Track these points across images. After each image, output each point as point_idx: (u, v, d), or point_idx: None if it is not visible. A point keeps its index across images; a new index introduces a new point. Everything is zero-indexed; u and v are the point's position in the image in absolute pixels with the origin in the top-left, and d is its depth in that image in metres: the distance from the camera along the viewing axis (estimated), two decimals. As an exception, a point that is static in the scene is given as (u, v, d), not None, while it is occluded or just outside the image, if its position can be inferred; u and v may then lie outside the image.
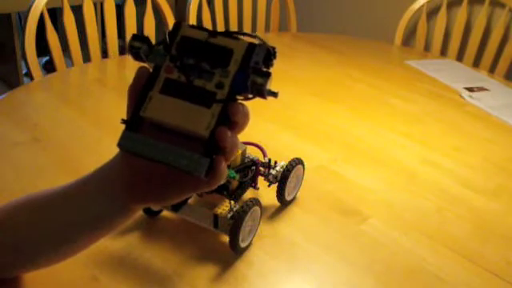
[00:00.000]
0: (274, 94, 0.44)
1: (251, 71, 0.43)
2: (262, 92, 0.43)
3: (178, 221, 0.77)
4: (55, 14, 2.21)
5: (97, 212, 0.52)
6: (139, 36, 0.46)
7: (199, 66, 0.44)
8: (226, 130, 0.43)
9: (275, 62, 0.45)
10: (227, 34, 0.45)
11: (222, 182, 0.46)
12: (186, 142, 0.44)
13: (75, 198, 0.53)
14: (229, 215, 0.70)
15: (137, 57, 0.47)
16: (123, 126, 0.47)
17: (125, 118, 0.47)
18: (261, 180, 0.81)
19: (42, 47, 1.42)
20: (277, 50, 0.45)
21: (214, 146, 0.43)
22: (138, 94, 0.45)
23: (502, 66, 1.82)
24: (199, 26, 0.46)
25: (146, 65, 0.47)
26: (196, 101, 0.44)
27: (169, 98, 0.44)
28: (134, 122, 0.45)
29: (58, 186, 0.55)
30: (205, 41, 0.45)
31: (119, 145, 0.46)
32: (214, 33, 0.45)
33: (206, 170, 0.43)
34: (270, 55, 0.45)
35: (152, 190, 0.48)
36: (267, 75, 0.43)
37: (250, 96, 0.45)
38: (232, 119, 0.44)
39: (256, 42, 0.46)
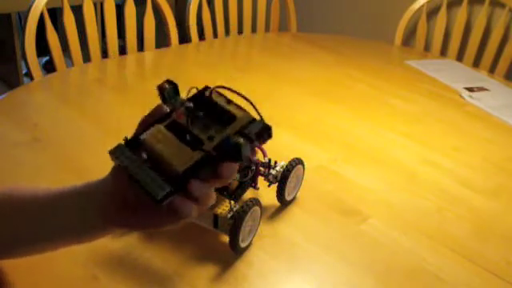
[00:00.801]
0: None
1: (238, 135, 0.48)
2: (239, 153, 0.47)
3: (178, 221, 0.77)
4: (55, 14, 2.21)
5: (73, 226, 0.55)
6: (171, 81, 0.54)
7: (203, 119, 0.51)
8: (198, 182, 0.47)
9: (268, 140, 0.50)
10: (240, 107, 0.51)
11: (176, 225, 0.50)
12: (164, 168, 0.49)
13: (58, 205, 0.55)
14: (229, 215, 0.70)
15: (162, 97, 0.53)
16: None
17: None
18: (261, 180, 0.81)
19: (42, 47, 1.42)
20: (272, 130, 0.50)
21: (183, 184, 0.47)
22: (149, 125, 0.51)
23: (502, 65, 1.82)
24: (222, 93, 0.53)
25: (163, 104, 0.54)
26: (186, 142, 0.49)
27: (167, 133, 0.51)
28: (133, 142, 0.51)
29: (45, 188, 0.57)
30: (220, 105, 0.52)
31: (110, 152, 0.50)
32: (230, 101, 0.52)
33: (163, 195, 0.46)
34: (264, 132, 0.50)
35: (127, 219, 0.51)
36: (249, 140, 0.48)
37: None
38: (218, 174, 0.47)
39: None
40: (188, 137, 0.50)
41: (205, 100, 0.52)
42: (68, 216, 0.55)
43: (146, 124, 0.52)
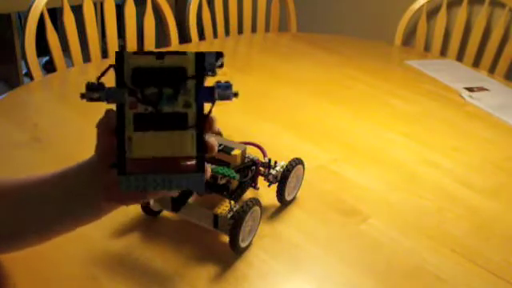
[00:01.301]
0: (236, 95, 0.49)
1: (212, 76, 0.48)
2: (228, 98, 0.48)
3: (178, 221, 0.77)
4: (55, 14, 2.21)
5: (69, 209, 0.56)
6: (94, 85, 0.48)
7: (160, 92, 0.47)
8: (214, 141, 0.49)
9: (224, 60, 0.49)
10: (172, 52, 0.47)
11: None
12: (174, 163, 0.48)
13: (51, 190, 0.56)
14: (229, 215, 0.70)
15: (97, 101, 0.49)
16: None
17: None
18: (261, 180, 0.81)
19: (42, 47, 1.41)
20: (222, 53, 0.49)
21: (202, 159, 0.47)
22: (113, 135, 0.47)
23: (502, 65, 1.82)
24: (141, 51, 0.48)
25: (111, 107, 0.49)
26: (171, 127, 0.47)
27: (147, 134, 0.47)
28: (123, 164, 0.47)
29: (34, 175, 0.58)
30: (156, 67, 0.47)
31: (123, 189, 0.48)
32: (160, 55, 0.47)
33: (204, 188, 0.47)
34: (219, 57, 0.48)
35: (119, 194, 0.51)
36: (229, 86, 0.48)
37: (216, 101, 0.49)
38: (209, 129, 0.49)
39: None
40: (165, 120, 0.47)
41: (136, 72, 0.47)
42: (68, 199, 0.55)
43: (107, 134, 0.49)
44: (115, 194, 0.51)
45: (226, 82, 0.48)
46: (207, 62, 0.48)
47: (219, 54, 0.48)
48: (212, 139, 0.49)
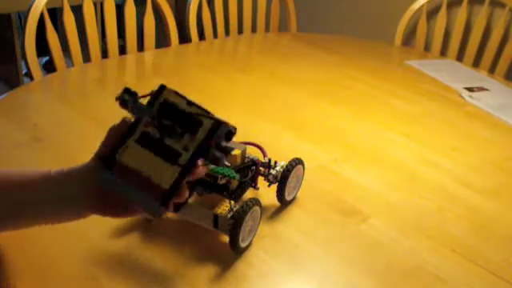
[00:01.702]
0: (228, 166, 0.59)
1: (214, 145, 0.54)
2: (218, 163, 0.54)
3: (178, 221, 0.77)
4: (55, 13, 2.21)
5: (58, 209, 0.59)
6: (130, 90, 0.56)
7: (173, 127, 0.55)
8: (186, 193, 0.56)
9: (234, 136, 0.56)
10: (200, 108, 0.55)
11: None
12: (148, 185, 0.54)
13: (42, 188, 0.59)
14: (229, 215, 0.70)
15: (125, 107, 0.57)
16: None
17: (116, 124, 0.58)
18: (261, 180, 0.81)
19: (42, 47, 1.42)
20: (236, 129, 0.56)
21: (168, 196, 0.54)
22: (118, 137, 0.56)
23: (502, 65, 1.82)
24: (179, 93, 0.56)
25: (129, 116, 0.57)
26: (164, 157, 0.54)
27: (142, 150, 0.55)
28: (110, 161, 0.55)
29: (30, 171, 0.61)
30: (182, 109, 0.55)
31: (101, 184, 0.56)
32: (190, 102, 0.56)
33: (159, 214, 0.54)
34: (231, 134, 0.56)
35: (107, 209, 0.59)
36: (225, 152, 0.55)
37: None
38: (192, 176, 0.55)
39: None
40: (162, 148, 0.54)
41: (166, 104, 0.55)
42: (51, 199, 0.59)
43: (114, 135, 0.56)
44: (99, 205, 0.58)
45: (224, 154, 0.55)
46: (220, 132, 0.55)
47: (229, 136, 0.55)
48: (186, 192, 0.55)
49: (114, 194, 0.56)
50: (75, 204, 0.58)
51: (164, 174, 0.53)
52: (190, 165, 0.53)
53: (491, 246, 0.80)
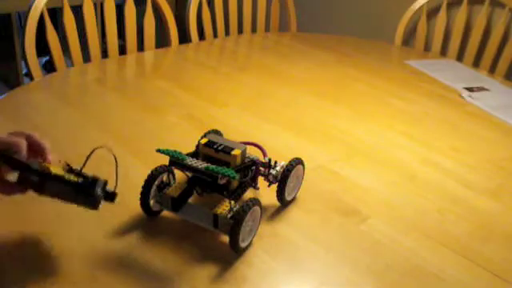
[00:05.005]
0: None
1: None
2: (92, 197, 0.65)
3: (178, 221, 0.77)
4: (55, 13, 2.21)
5: None
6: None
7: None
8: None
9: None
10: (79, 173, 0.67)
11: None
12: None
13: None
14: (229, 215, 0.70)
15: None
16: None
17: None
18: (261, 180, 0.81)
19: (42, 47, 1.42)
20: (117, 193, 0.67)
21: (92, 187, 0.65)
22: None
23: (502, 65, 1.82)
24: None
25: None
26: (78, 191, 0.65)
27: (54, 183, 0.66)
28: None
29: None
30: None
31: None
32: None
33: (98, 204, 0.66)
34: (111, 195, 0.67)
35: None
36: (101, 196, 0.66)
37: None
38: None
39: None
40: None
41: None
42: None
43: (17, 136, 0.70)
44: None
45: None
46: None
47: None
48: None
49: None
50: None
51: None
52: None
53: (491, 246, 0.80)
